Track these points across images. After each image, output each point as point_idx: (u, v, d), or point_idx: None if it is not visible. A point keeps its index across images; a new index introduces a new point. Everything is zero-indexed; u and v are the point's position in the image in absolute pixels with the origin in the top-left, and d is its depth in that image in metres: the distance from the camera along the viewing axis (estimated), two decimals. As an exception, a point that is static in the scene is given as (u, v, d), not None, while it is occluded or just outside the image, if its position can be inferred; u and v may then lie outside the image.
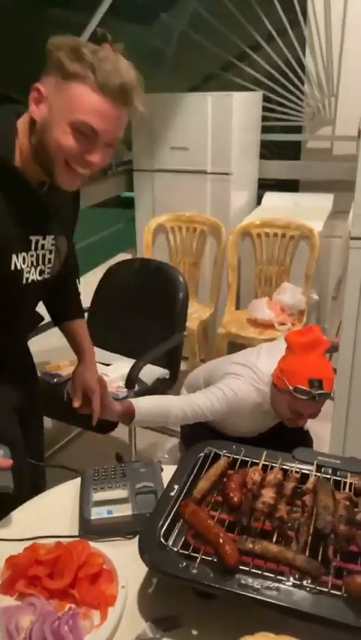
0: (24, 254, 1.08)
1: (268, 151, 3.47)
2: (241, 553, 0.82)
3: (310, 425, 1.84)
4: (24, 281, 1.10)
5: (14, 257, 1.06)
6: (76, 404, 1.38)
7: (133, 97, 0.97)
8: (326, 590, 0.78)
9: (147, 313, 2.35)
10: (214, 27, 3.17)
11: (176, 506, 0.92)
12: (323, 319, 3.22)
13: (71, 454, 2.48)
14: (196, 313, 2.93)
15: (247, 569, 0.81)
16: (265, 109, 3.26)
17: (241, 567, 0.81)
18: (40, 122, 0.98)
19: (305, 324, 2.71)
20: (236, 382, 1.70)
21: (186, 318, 2.31)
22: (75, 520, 1.07)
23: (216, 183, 2.92)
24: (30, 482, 1.25)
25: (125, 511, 1.04)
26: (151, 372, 2.23)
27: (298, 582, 0.79)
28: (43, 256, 1.13)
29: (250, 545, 0.83)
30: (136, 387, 2.08)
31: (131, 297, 2.43)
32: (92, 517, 1.03)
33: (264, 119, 3.28)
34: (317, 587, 0.78)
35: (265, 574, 0.80)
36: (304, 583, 0.79)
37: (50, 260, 1.15)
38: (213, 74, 3.47)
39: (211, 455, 1.06)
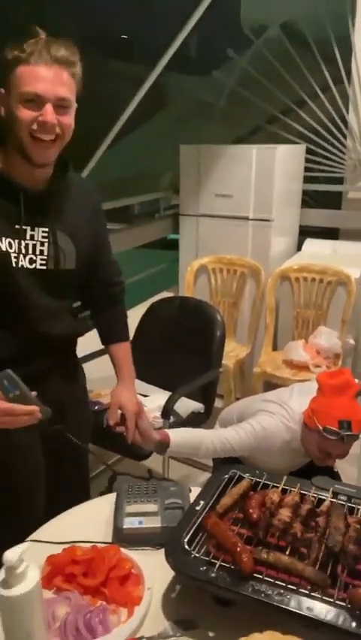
0: (9, 240, 1.20)
1: (311, 199, 3.62)
2: (256, 563, 0.91)
3: (340, 465, 1.89)
4: (13, 264, 1.21)
5: (2, 239, 1.19)
6: (111, 421, 1.46)
7: (62, 56, 1.12)
8: (332, 600, 0.86)
9: (186, 349, 2.47)
10: (262, 84, 3.39)
11: (200, 519, 1.02)
12: (358, 363, 3.26)
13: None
14: (233, 352, 3.03)
15: (261, 576, 0.90)
16: (308, 160, 3.42)
17: (255, 575, 0.90)
18: (5, 117, 1.14)
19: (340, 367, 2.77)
20: (266, 419, 1.78)
21: (222, 355, 2.42)
22: (109, 530, 1.18)
23: (258, 229, 3.06)
24: (74, 494, 1.37)
25: (154, 523, 1.14)
26: (186, 406, 2.33)
27: (307, 592, 0.87)
28: (34, 246, 1.24)
29: (265, 555, 0.91)
30: (171, 419, 2.18)
31: (170, 333, 2.56)
32: (125, 526, 1.13)
33: (307, 169, 3.44)
34: (324, 597, 0.86)
35: (277, 582, 0.89)
36: (313, 593, 0.87)
37: (41, 251, 1.25)
38: (259, 127, 3.68)
39: (236, 477, 1.16)
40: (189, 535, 0.98)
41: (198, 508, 1.06)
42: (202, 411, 2.38)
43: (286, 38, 3.36)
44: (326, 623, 0.81)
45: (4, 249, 1.20)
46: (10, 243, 1.21)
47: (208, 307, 2.52)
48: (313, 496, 1.09)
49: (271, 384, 2.77)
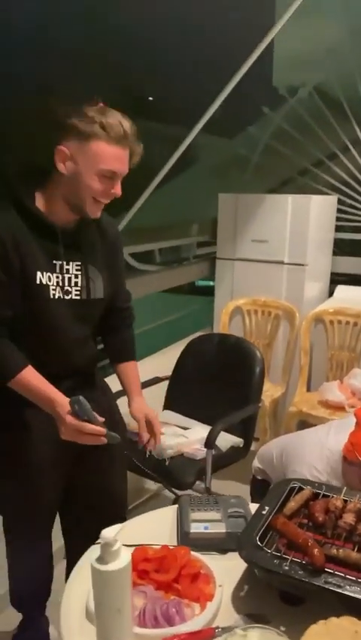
0: (49, 274, 1.34)
1: (341, 248, 3.77)
2: (326, 560, 0.97)
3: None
4: (50, 295, 1.34)
5: (39, 273, 1.32)
6: (144, 435, 1.60)
7: (132, 139, 1.29)
8: None
9: (225, 385, 2.54)
10: (295, 138, 3.62)
11: (268, 521, 1.08)
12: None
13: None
14: (268, 391, 3.09)
15: (331, 571, 0.95)
16: (339, 210, 3.58)
17: (326, 570, 0.95)
18: (68, 175, 1.29)
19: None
20: None
21: (261, 391, 2.49)
22: (173, 537, 1.24)
23: (292, 273, 3.19)
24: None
25: (219, 528, 1.20)
26: (226, 440, 2.39)
27: (377, 586, 0.92)
28: (69, 279, 1.38)
29: (335, 551, 0.97)
30: (213, 452, 2.24)
31: (210, 369, 2.64)
32: (191, 531, 1.19)
33: (338, 219, 3.59)
34: (394, 591, 0.91)
35: (348, 577, 0.94)
36: (383, 587, 0.92)
37: (75, 283, 1.39)
38: (290, 178, 3.88)
39: (297, 488, 1.22)
40: (260, 534, 1.04)
41: (264, 512, 1.12)
42: (241, 445, 2.42)
43: (317, 97, 3.61)
44: None
45: (43, 282, 1.33)
46: (49, 277, 1.34)
47: (247, 344, 2.61)
48: (372, 507, 1.14)
49: (306, 423, 2.81)
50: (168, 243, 3.53)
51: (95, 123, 1.24)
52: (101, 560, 0.87)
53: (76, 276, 1.40)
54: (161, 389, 2.69)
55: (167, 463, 2.20)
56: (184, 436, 2.36)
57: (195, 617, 0.99)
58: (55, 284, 1.35)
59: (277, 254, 3.20)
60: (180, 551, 1.12)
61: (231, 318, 3.34)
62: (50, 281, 1.34)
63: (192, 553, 1.13)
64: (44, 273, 1.33)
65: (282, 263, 3.21)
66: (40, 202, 1.34)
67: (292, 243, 3.16)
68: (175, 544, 1.21)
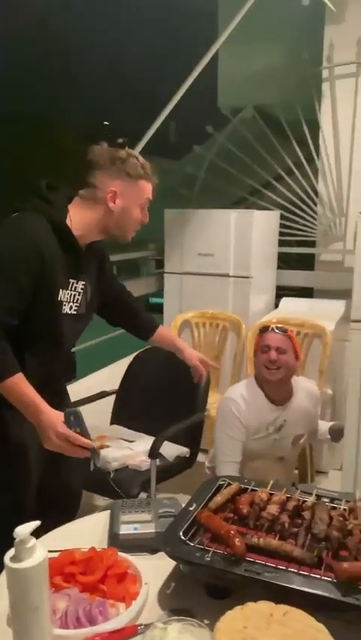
0: (65, 290, 1.46)
1: (286, 262, 3.87)
2: (247, 550, 0.98)
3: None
4: (63, 311, 1.46)
5: (61, 290, 1.44)
6: (202, 371, 1.95)
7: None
8: (319, 577, 0.92)
9: (171, 396, 2.55)
10: (242, 159, 3.72)
11: (194, 516, 1.09)
12: (337, 414, 3.36)
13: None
14: (217, 403, 3.11)
15: (252, 560, 0.96)
16: (284, 226, 3.69)
17: (247, 559, 0.96)
18: (119, 210, 1.46)
19: (320, 418, 2.87)
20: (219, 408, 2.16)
21: (207, 400, 2.51)
22: (105, 541, 1.23)
23: (238, 285, 3.26)
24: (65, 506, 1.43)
25: (149, 529, 1.19)
26: (172, 450, 2.39)
27: (295, 571, 0.94)
28: (74, 296, 1.51)
29: (255, 540, 0.98)
30: (158, 462, 2.23)
31: (156, 381, 2.65)
32: (120, 532, 1.19)
33: (283, 234, 3.70)
34: (311, 575, 0.93)
35: (268, 564, 0.95)
36: (301, 572, 0.93)
37: (77, 300, 1.51)
38: (241, 199, 3.99)
39: (225, 484, 1.23)
40: (184, 528, 1.05)
41: (191, 508, 1.12)
42: (188, 455, 2.43)
43: (260, 119, 3.74)
44: (314, 594, 0.88)
45: (61, 299, 1.44)
46: (64, 294, 1.46)
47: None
48: (298, 497, 1.16)
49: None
50: (121, 256, 3.55)
51: (138, 165, 1.45)
52: (15, 558, 0.86)
53: (79, 294, 1.52)
54: (108, 403, 2.67)
55: (111, 475, 2.18)
56: (130, 448, 2.35)
57: (118, 616, 0.98)
58: (67, 300, 1.47)
59: (222, 267, 3.27)
60: (107, 553, 1.11)
61: (180, 332, 3.37)
62: (64, 297, 1.46)
63: (120, 554, 1.12)
64: (63, 291, 1.45)
65: (228, 276, 3.27)
66: (69, 221, 1.44)
67: (236, 257, 3.23)
68: (107, 545, 1.20)
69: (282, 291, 3.74)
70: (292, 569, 0.94)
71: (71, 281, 1.47)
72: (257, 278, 3.30)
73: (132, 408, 2.66)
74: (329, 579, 0.91)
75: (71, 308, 1.49)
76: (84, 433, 1.28)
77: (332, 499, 1.17)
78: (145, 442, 2.37)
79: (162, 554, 1.11)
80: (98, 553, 1.11)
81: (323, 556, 0.99)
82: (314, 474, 2.70)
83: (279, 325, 2.11)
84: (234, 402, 2.10)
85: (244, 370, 3.19)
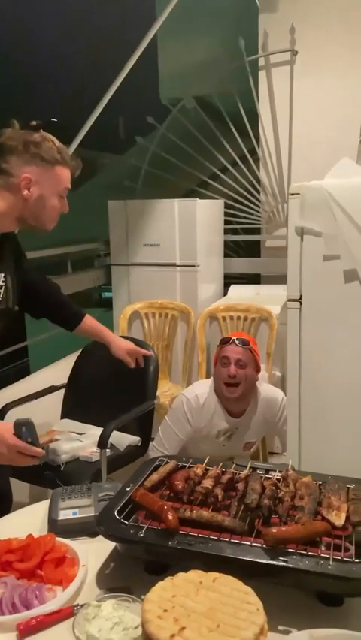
0: None
1: (235, 251, 3.92)
2: (181, 523, 0.99)
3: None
4: None
5: None
6: (133, 364, 1.94)
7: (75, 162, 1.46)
8: (249, 544, 0.95)
9: (121, 387, 2.54)
10: (188, 153, 3.74)
11: (129, 496, 1.09)
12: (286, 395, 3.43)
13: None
14: (169, 391, 3.13)
15: (186, 532, 0.98)
16: (230, 214, 3.73)
17: (180, 532, 0.98)
18: (34, 199, 1.37)
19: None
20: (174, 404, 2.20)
21: (156, 388, 2.51)
22: (45, 528, 1.22)
23: (185, 274, 3.28)
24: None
25: (88, 512, 1.19)
26: (123, 439, 2.39)
27: (227, 540, 0.96)
28: None
29: (188, 513, 1.00)
30: (109, 452, 2.23)
31: (105, 373, 2.63)
32: (59, 518, 1.18)
33: (229, 222, 3.75)
34: (242, 542, 0.95)
35: (200, 535, 0.97)
36: (232, 540, 0.96)
37: (0, 294, 1.46)
38: (188, 191, 4.01)
39: (164, 462, 1.24)
40: (119, 507, 1.05)
41: (128, 489, 1.13)
42: (139, 444, 2.43)
43: (201, 109, 3.76)
44: (243, 560, 0.90)
45: None
46: None
47: (141, 343, 2.61)
48: (233, 471, 1.19)
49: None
50: (61, 250, 3.51)
51: (54, 150, 1.37)
52: None
53: (0, 287, 1.46)
54: (58, 398, 2.65)
55: (62, 468, 2.16)
56: (79, 440, 2.33)
57: (54, 599, 0.98)
58: None
59: (169, 257, 3.28)
60: (44, 539, 1.10)
61: (130, 323, 3.36)
62: None
63: (59, 539, 1.12)
64: None
65: (175, 265, 3.28)
66: None
67: (182, 246, 3.24)
68: (47, 531, 1.19)
69: (231, 279, 3.79)
70: (224, 539, 0.96)
71: None
72: (204, 266, 3.32)
73: (82, 401, 2.64)
74: (259, 545, 0.94)
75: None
76: (35, 442, 1.21)
77: (267, 471, 1.20)
78: (95, 433, 2.35)
79: (102, 537, 1.11)
80: (36, 540, 1.10)
81: (255, 524, 1.02)
82: (267, 455, 2.76)
83: (240, 337, 2.08)
84: (188, 401, 2.11)
85: (195, 359, 3.22)
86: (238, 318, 3.15)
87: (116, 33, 3.31)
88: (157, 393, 2.55)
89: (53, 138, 1.40)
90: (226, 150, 3.71)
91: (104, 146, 3.70)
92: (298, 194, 1.75)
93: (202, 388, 2.14)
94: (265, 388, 2.25)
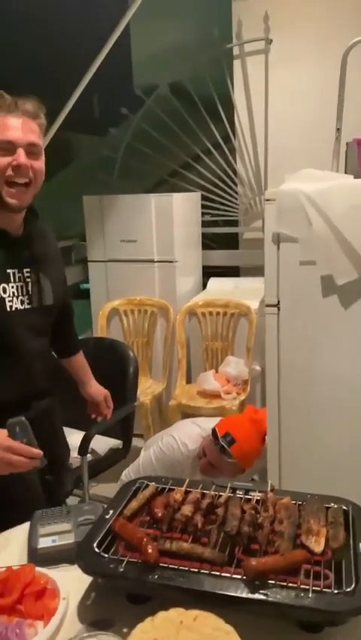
0: (4, 284, 1.32)
1: (215, 242, 3.89)
2: (161, 555, 0.99)
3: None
4: (8, 308, 1.33)
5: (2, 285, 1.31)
6: (106, 412, 1.95)
7: (29, 107, 1.28)
8: (229, 576, 0.95)
9: (101, 388, 2.53)
10: (162, 143, 3.67)
11: (109, 524, 1.08)
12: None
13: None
14: (150, 388, 3.13)
15: (166, 565, 0.97)
16: (207, 207, 3.69)
17: (160, 565, 0.97)
18: None
19: (249, 393, 2.94)
20: (168, 441, 2.10)
21: (136, 391, 2.50)
22: (25, 556, 1.21)
23: (163, 270, 3.25)
24: None
25: (68, 539, 1.18)
26: (104, 443, 2.38)
27: (207, 572, 0.96)
28: (22, 287, 1.38)
29: (168, 545, 0.99)
30: (90, 457, 2.22)
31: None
32: (39, 546, 1.17)
33: (206, 215, 3.71)
34: (222, 575, 0.95)
35: (180, 568, 0.97)
36: (212, 572, 0.96)
37: (28, 291, 1.38)
38: (163, 180, 3.95)
39: (143, 486, 1.24)
40: (99, 539, 1.04)
41: (107, 516, 1.12)
42: (121, 447, 2.43)
43: (174, 97, 3.68)
44: (223, 595, 0.90)
45: (1, 295, 1.31)
46: (4, 288, 1.32)
47: (121, 345, 2.62)
48: (213, 493, 1.18)
49: (187, 415, 2.88)
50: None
51: None
52: None
53: (28, 284, 1.38)
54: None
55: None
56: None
57: (35, 637, 0.97)
58: (11, 295, 1.33)
59: (146, 253, 3.24)
60: (24, 570, 1.09)
61: (109, 319, 3.34)
62: (4, 292, 1.31)
63: (38, 569, 1.11)
64: (3, 285, 1.31)
65: (152, 261, 3.25)
66: None
67: (159, 242, 3.21)
68: (27, 560, 1.18)
69: (211, 270, 3.77)
70: (204, 570, 0.96)
71: (11, 272, 1.34)
72: (182, 261, 3.30)
73: (62, 403, 2.61)
74: (239, 577, 0.94)
75: (22, 302, 1.37)
76: (31, 442, 1.16)
77: (247, 491, 1.20)
78: (76, 437, 2.34)
79: (82, 564, 1.10)
80: (15, 572, 1.09)
81: (235, 551, 1.02)
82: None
83: (225, 448, 1.90)
84: (180, 455, 2.02)
85: (175, 355, 3.21)
86: (218, 313, 3.14)
87: (89, 21, 3.20)
88: (137, 394, 2.55)
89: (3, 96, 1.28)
90: (200, 139, 3.65)
91: (83, 127, 3.62)
92: (274, 200, 1.73)
93: (195, 442, 2.04)
94: None
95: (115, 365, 2.54)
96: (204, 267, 3.73)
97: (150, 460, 2.05)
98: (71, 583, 1.08)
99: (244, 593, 0.91)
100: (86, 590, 1.08)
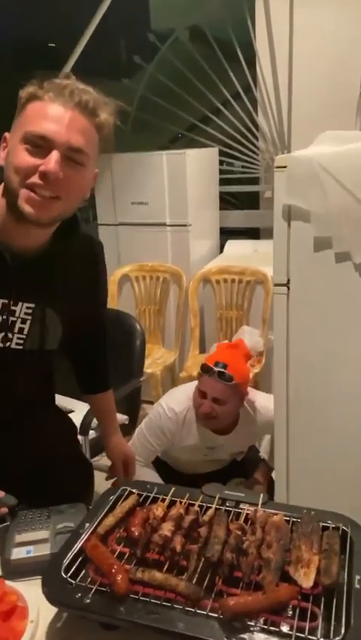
0: None
1: (236, 200, 3.67)
2: (132, 583, 0.90)
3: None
4: None
5: None
6: (120, 475, 1.47)
7: (86, 101, 0.92)
8: (205, 612, 0.85)
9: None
10: (178, 94, 3.42)
11: (81, 542, 1.00)
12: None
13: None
14: (161, 358, 3.03)
15: (137, 597, 0.88)
16: (226, 163, 3.46)
17: (131, 595, 0.88)
18: (5, 164, 0.95)
19: (264, 365, 2.81)
20: (154, 410, 2.06)
21: (143, 365, 2.41)
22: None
23: (176, 234, 3.08)
24: None
25: (43, 550, 1.10)
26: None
27: (181, 607, 0.86)
28: (10, 322, 1.07)
29: (140, 575, 0.90)
30: (95, 434, 2.15)
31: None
32: (12, 558, 1.10)
33: (225, 172, 3.48)
34: (197, 610, 0.86)
35: (152, 601, 0.88)
36: (186, 608, 0.86)
37: (20, 329, 1.08)
38: (181, 135, 3.71)
39: (125, 494, 1.14)
40: (69, 560, 0.96)
41: (82, 531, 1.03)
42: (127, 422, 2.35)
43: (191, 44, 3.40)
44: (194, 636, 0.81)
45: None
46: None
47: (128, 317, 2.50)
48: (199, 506, 1.08)
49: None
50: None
51: (34, 85, 0.93)
52: None
53: (23, 321, 1.07)
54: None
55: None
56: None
57: (-1, 664, 0.91)
58: None
59: (158, 216, 3.07)
60: (-7, 586, 1.02)
61: (120, 286, 3.22)
62: None
63: (9, 584, 1.04)
64: None
65: (165, 225, 3.08)
66: None
67: (172, 204, 3.04)
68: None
69: (230, 230, 3.58)
70: (177, 605, 0.87)
71: (5, 301, 1.05)
72: (197, 224, 3.12)
73: (69, 375, 2.54)
74: (216, 615, 0.84)
75: (5, 339, 1.07)
76: None
77: (237, 503, 1.09)
78: (82, 413, 2.28)
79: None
80: (-16, 589, 1.02)
81: (215, 581, 0.92)
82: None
83: (223, 369, 1.83)
84: (167, 417, 1.95)
85: (188, 324, 3.09)
86: (233, 281, 2.98)
87: None
88: (144, 369, 2.46)
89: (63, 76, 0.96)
90: (219, 90, 3.38)
91: (99, 71, 3.43)
92: (285, 167, 1.54)
93: (182, 404, 1.96)
94: (260, 397, 2.05)
95: (121, 338, 2.44)
96: (222, 229, 3.54)
97: (142, 432, 2.00)
98: (43, 600, 1.01)
99: (218, 637, 0.81)
100: (57, 611, 1.01)
